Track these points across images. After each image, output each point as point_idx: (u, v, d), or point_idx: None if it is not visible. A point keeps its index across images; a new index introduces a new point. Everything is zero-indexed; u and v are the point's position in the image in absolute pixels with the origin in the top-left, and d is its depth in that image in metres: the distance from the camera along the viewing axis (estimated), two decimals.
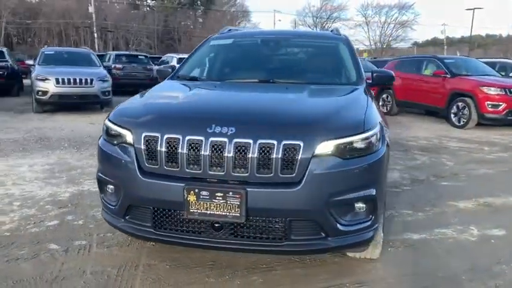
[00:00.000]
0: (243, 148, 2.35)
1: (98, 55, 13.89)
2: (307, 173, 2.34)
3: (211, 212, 2.38)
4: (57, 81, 10.27)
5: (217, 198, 2.36)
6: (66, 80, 10.34)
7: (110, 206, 2.73)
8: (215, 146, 2.37)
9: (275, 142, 2.35)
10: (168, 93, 3.18)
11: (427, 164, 6.21)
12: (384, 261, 3.13)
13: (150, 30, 65.23)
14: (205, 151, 2.38)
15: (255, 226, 2.43)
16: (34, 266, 2.94)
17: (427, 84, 10.84)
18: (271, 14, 77.53)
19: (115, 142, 2.66)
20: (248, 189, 2.34)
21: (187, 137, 2.41)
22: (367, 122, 2.59)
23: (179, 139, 2.42)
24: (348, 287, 2.76)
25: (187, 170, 2.42)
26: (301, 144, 2.35)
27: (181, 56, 17.13)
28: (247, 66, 3.93)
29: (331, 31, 4.46)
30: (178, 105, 2.84)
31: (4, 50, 14.96)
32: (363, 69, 3.69)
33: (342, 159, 2.43)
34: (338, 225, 2.46)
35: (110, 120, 2.76)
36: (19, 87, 14.86)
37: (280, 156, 2.34)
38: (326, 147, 2.40)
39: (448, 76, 10.27)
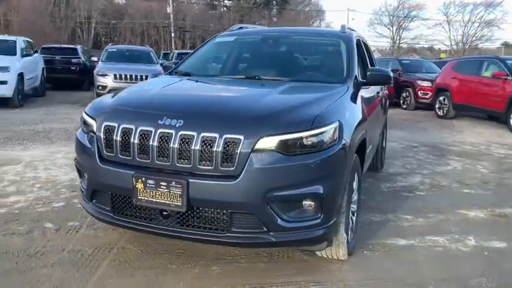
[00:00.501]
0: (187, 140, 2.44)
1: (164, 53, 14.57)
2: (246, 167, 2.38)
3: (157, 200, 2.50)
4: (115, 77, 10.98)
5: (162, 187, 2.47)
6: (123, 76, 11.03)
7: (82, 190, 2.96)
8: (162, 137, 2.49)
9: (217, 135, 2.41)
10: (146, 87, 3.34)
11: (457, 171, 5.87)
12: (354, 263, 3.06)
13: (226, 29, 66.90)
14: (154, 142, 2.50)
15: (198, 216, 2.52)
16: (24, 241, 3.23)
17: (486, 87, 10.17)
18: (345, 13, 76.20)
19: (85, 131, 2.87)
20: (190, 180, 2.43)
21: (140, 128, 2.55)
22: (319, 120, 2.56)
23: (132, 129, 2.57)
24: (302, 285, 2.75)
25: (137, 159, 2.56)
26: (242, 139, 2.39)
27: None
28: (239, 63, 4.00)
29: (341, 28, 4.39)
30: (143, 98, 2.99)
31: (78, 47, 16.20)
32: (355, 68, 3.61)
33: (285, 155, 2.43)
34: (280, 220, 2.47)
35: (84, 111, 2.97)
36: (89, 82, 16.01)
37: (220, 149, 2.40)
38: (268, 142, 2.41)
39: (509, 78, 9.55)
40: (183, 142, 2.45)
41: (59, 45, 16.69)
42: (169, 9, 44.23)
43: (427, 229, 3.76)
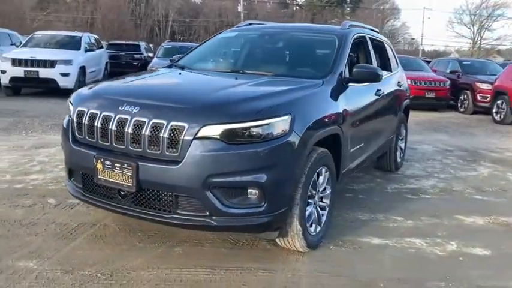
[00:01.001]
0: (139, 126, 2.64)
1: None
2: (188, 153, 2.53)
3: (113, 180, 2.73)
4: None
5: (116, 168, 2.69)
6: None
7: (65, 169, 3.27)
8: (119, 122, 2.71)
9: (165, 122, 2.59)
10: (131, 77, 3.57)
11: (481, 177, 5.57)
12: (315, 256, 3.10)
13: None
14: (112, 126, 2.73)
15: (148, 197, 2.71)
16: (24, 213, 3.62)
17: None
18: (421, 12, 72.87)
19: (67, 116, 3.18)
20: (139, 162, 2.63)
21: (103, 113, 2.79)
22: (267, 112, 2.65)
23: (97, 114, 2.81)
24: (252, 271, 2.85)
25: (99, 142, 2.80)
26: (186, 126, 2.55)
27: None
28: (231, 57, 4.14)
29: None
30: (117, 87, 3.22)
31: (141, 44, 17.16)
32: (341, 65, 3.62)
33: (228, 143, 2.55)
34: (221, 206, 2.59)
35: (69, 98, 3.28)
36: None
37: (167, 135, 2.57)
38: (211, 130, 2.54)
39: None
40: (135, 127, 2.65)
41: (123, 42, 17.74)
42: (240, 8, 45.02)
43: (411, 231, 3.67)
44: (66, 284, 2.59)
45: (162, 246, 3.14)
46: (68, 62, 11.00)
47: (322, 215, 3.31)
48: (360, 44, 4.37)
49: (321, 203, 3.27)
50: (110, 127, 2.74)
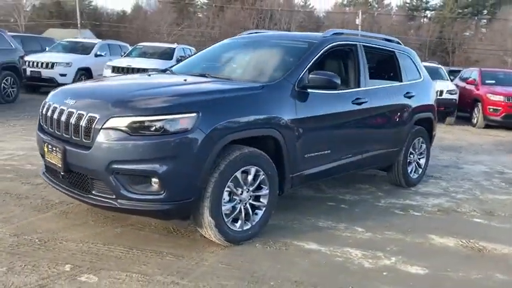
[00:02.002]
0: (70, 115, 3.10)
1: None
2: (96, 140, 2.91)
3: (52, 162, 3.23)
4: None
5: (53, 151, 3.19)
6: None
7: None
8: (59, 112, 3.20)
9: (84, 113, 3.01)
10: (107, 78, 4.07)
11: (509, 202, 5.02)
12: (234, 250, 3.24)
13: (422, 41, 63.65)
14: (55, 115, 3.23)
15: (74, 178, 3.15)
16: (28, 189, 4.33)
17: None
18: None
19: None
20: (66, 147, 3.08)
21: (52, 105, 3.32)
22: (170, 109, 2.92)
23: (50, 105, 3.35)
24: (163, 255, 3.10)
25: (49, 129, 3.33)
26: (97, 117, 2.93)
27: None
28: (210, 61, 4.43)
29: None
30: (77, 85, 3.74)
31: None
32: (298, 72, 3.69)
33: (130, 134, 2.87)
34: (123, 190, 2.92)
35: None
36: None
37: (84, 124, 2.99)
38: (117, 122, 2.88)
39: None
40: (67, 117, 3.12)
41: None
42: (358, 21, 44.48)
43: (359, 242, 3.58)
44: (6, 243, 3.14)
45: (107, 226, 3.55)
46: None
47: (256, 213, 3.44)
48: (345, 52, 4.36)
49: (255, 202, 3.40)
50: (53, 116, 3.25)
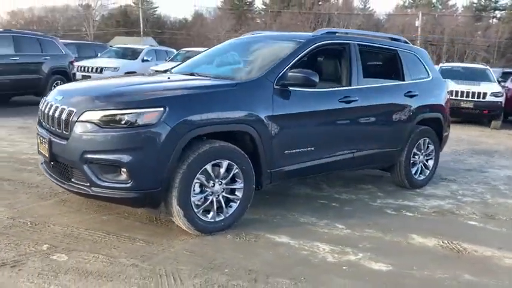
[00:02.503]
0: (56, 109, 3.41)
1: None
2: (72, 132, 3.20)
3: (43, 152, 3.57)
4: None
5: (43, 143, 3.52)
6: None
7: None
8: (50, 107, 3.52)
9: (66, 107, 3.31)
10: (99, 78, 4.36)
11: (499, 202, 4.79)
12: (204, 240, 3.39)
13: (490, 43, 60.42)
14: (46, 110, 3.57)
15: (59, 167, 3.45)
16: (40, 179, 4.72)
17: None
18: None
19: None
20: (51, 138, 3.40)
21: (47, 101, 3.66)
22: (138, 104, 3.14)
23: (46, 102, 3.69)
24: (134, 241, 3.32)
25: (43, 122, 3.67)
26: (75, 111, 3.22)
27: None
28: (202, 62, 4.61)
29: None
30: (73, 83, 4.05)
31: None
32: (278, 70, 3.79)
33: (101, 127, 3.12)
34: (95, 178, 3.17)
35: None
36: None
37: (64, 117, 3.28)
38: (90, 115, 3.15)
39: None
40: (53, 111, 3.43)
41: None
42: (417, 23, 43.15)
43: (334, 238, 3.61)
44: (1, 224, 3.49)
45: (97, 213, 3.83)
46: None
47: (231, 206, 3.58)
48: (337, 51, 4.40)
49: (228, 195, 3.54)
50: (45, 111, 3.58)
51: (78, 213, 3.82)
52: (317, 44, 4.17)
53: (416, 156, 5.08)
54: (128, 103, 3.16)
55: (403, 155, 4.90)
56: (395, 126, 4.74)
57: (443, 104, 5.35)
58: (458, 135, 9.53)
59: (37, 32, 14.75)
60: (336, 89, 4.28)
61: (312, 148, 4.02)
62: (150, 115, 3.12)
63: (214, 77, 3.96)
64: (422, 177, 5.20)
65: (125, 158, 3.10)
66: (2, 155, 5.69)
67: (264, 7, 69.73)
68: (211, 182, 3.43)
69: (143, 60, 14.33)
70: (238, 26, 62.68)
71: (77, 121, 3.19)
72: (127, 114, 3.10)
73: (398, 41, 5.17)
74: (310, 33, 4.49)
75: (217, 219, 3.50)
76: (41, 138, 3.57)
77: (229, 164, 3.48)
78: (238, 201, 3.60)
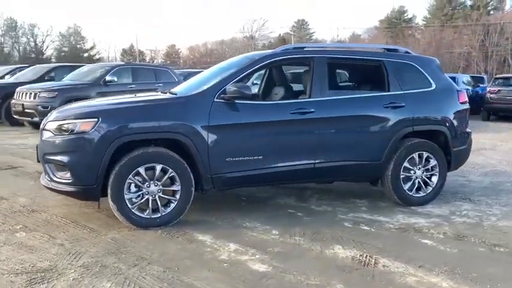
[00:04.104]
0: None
1: None
2: (41, 138, 4.12)
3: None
4: None
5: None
6: None
7: None
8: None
9: (45, 119, 4.26)
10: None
11: (499, 226, 4.16)
12: (135, 233, 3.92)
13: None
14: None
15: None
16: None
17: None
18: None
19: None
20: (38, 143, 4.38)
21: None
22: (79, 115, 3.93)
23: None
24: (83, 227, 4.05)
25: None
26: (44, 122, 4.14)
27: None
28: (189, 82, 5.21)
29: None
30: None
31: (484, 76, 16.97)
32: (220, 84, 4.20)
33: (54, 134, 3.97)
34: (52, 175, 4.02)
35: None
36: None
37: (41, 126, 4.23)
38: (50, 125, 4.02)
39: None
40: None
41: None
42: None
43: (252, 241, 3.78)
44: (9, 208, 4.58)
45: (85, 208, 4.68)
46: None
47: (169, 205, 4.07)
48: (303, 65, 4.59)
49: (166, 196, 4.05)
50: None
51: (74, 207, 4.70)
52: (270, 61, 4.44)
53: (410, 171, 4.78)
54: (71, 116, 3.99)
55: (389, 168, 4.69)
56: (370, 138, 4.61)
57: (450, 116, 4.91)
58: None
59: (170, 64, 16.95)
60: (289, 101, 4.45)
61: (260, 157, 4.25)
62: (85, 125, 3.86)
63: (172, 94, 4.53)
64: (421, 194, 4.85)
65: (66, 158, 3.88)
66: None
67: (425, 22, 66.41)
68: (147, 183, 3.97)
69: None
70: (393, 44, 60.87)
71: (43, 129, 4.11)
72: (68, 124, 3.91)
73: (394, 52, 5.00)
74: (270, 51, 4.73)
75: (153, 216, 4.02)
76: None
77: (163, 168, 3.99)
78: (176, 202, 4.06)
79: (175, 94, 4.53)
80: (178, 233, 3.97)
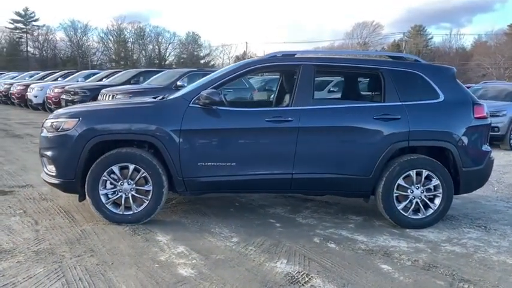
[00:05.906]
0: None
1: None
2: (40, 134, 4.59)
3: None
4: None
5: None
6: None
7: None
8: None
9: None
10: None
11: (492, 260, 3.57)
12: (108, 226, 4.18)
13: None
14: None
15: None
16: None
17: None
18: None
19: None
20: None
21: None
22: (65, 115, 4.30)
23: None
24: (70, 217, 4.44)
25: None
26: (45, 120, 4.62)
27: None
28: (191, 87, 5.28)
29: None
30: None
31: None
32: (196, 90, 4.28)
33: (47, 131, 4.40)
34: (45, 168, 4.45)
35: None
36: None
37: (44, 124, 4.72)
38: (47, 123, 4.45)
39: None
40: None
41: None
42: None
43: (204, 247, 3.80)
44: (26, 197, 5.17)
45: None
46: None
47: (141, 204, 4.27)
48: (284, 72, 4.48)
49: (138, 195, 4.25)
50: None
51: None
52: (254, 67, 4.40)
53: (406, 190, 4.36)
54: (61, 115, 4.37)
55: (380, 184, 4.34)
56: (356, 151, 4.29)
57: (459, 132, 4.37)
58: None
59: None
60: (266, 108, 4.36)
61: (233, 164, 4.24)
62: (68, 123, 4.23)
63: (162, 99, 4.72)
64: (420, 216, 4.39)
65: (51, 153, 4.29)
66: None
67: None
68: (121, 181, 4.22)
69: None
70: None
71: (42, 126, 4.58)
72: (55, 122, 4.30)
73: (399, 59, 4.60)
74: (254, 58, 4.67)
75: (125, 213, 4.24)
76: None
77: (136, 168, 4.20)
78: (148, 202, 4.24)
79: (164, 99, 4.72)
80: (143, 231, 4.13)
